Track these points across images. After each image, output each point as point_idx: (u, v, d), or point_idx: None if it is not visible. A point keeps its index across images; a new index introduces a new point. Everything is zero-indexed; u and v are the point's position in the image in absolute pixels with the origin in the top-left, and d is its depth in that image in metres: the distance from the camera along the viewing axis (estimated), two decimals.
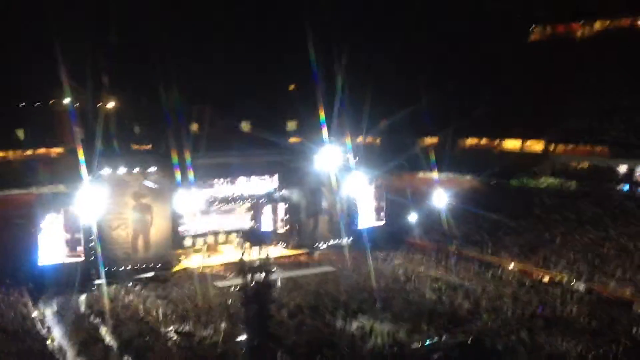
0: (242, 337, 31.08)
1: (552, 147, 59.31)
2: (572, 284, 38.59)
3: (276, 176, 50.88)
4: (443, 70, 66.09)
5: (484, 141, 65.19)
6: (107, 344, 30.98)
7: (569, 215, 48.68)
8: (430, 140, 69.47)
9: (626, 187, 51.55)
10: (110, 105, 63.66)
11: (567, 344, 28.82)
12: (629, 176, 52.63)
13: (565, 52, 62.56)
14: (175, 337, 31.81)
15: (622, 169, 53.56)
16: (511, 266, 43.22)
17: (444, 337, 30.95)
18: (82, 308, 36.51)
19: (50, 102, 65.03)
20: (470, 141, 66.30)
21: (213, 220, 49.44)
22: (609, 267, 39.32)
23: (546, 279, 40.39)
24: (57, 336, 32.01)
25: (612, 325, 31.83)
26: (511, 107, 57.98)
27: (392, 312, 34.69)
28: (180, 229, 47.50)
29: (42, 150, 59.80)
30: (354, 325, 33.18)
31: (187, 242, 48.43)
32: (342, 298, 37.07)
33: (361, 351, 29.52)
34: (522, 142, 61.81)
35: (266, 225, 51.00)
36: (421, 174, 63.36)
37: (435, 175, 62.87)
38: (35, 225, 41.66)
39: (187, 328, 32.78)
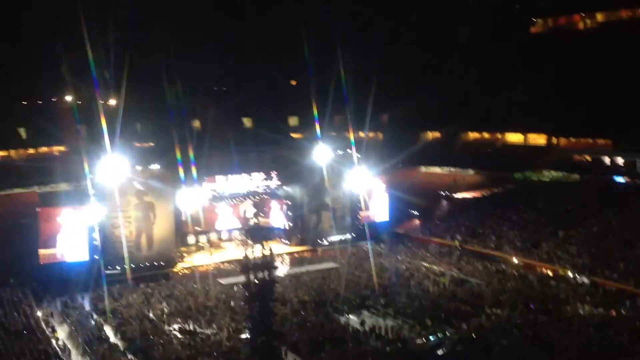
0: (246, 335, 31.16)
1: (555, 141, 59.10)
2: (576, 278, 38.48)
3: (278, 173, 50.86)
4: (445, 64, 65.78)
5: (486, 135, 64.99)
6: (112, 343, 31.03)
7: (572, 208, 48.55)
8: (433, 134, 69.31)
9: (628, 179, 51.32)
10: (112, 102, 63.53)
11: (570, 339, 28.70)
12: (631, 168, 52.40)
13: (568, 44, 62.19)
14: (179, 336, 31.84)
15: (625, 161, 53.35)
16: (515, 260, 43.15)
17: (447, 333, 30.90)
18: (86, 307, 36.60)
19: (52, 99, 64.93)
20: (473, 135, 66.12)
21: (215, 217, 49.47)
22: (613, 261, 39.12)
23: (550, 273, 40.30)
24: (61, 336, 32.05)
25: (616, 318, 31.75)
26: (514, 101, 57.68)
27: (396, 308, 34.70)
28: (183, 226, 47.48)
29: (44, 149, 59.72)
30: (358, 321, 33.21)
31: (190, 239, 48.50)
32: (346, 294, 37.04)
33: (365, 347, 29.47)
34: (525, 136, 61.61)
35: (269, 222, 51.00)
36: (423, 169, 63.29)
37: (437, 169, 62.85)
38: (38, 224, 41.75)
39: (190, 326, 32.78)
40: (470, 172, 60.51)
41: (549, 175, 55.72)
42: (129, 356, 29.25)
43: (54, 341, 30.97)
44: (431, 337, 30.61)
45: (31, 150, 59.19)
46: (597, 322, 30.80)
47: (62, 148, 59.34)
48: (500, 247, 45.85)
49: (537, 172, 56.48)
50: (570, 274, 39.09)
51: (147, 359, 28.62)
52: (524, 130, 61.28)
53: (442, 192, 58.85)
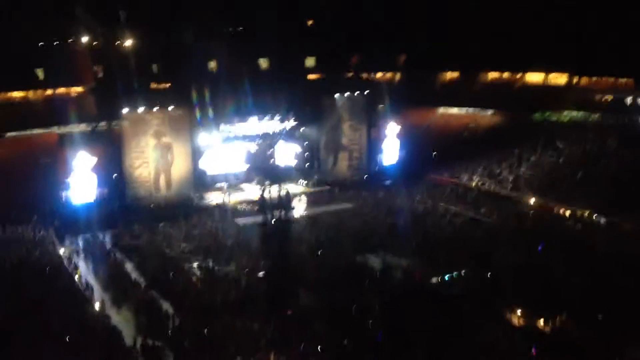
0: (262, 273, 31.75)
1: (575, 80, 57.98)
2: (593, 218, 38.45)
3: (294, 113, 50.63)
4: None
5: (506, 75, 63.85)
6: (133, 279, 31.77)
7: (591, 149, 48.09)
8: (451, 75, 68.25)
9: None
10: (128, 43, 63.14)
11: (584, 279, 28.85)
12: None
13: None
14: (198, 273, 32.50)
15: None
16: (532, 201, 43.11)
17: (463, 272, 31.21)
18: (107, 245, 37.32)
19: (69, 40, 64.53)
20: (492, 75, 65.03)
21: (232, 158, 49.62)
22: (631, 202, 38.89)
23: (567, 213, 40.27)
24: (83, 272, 32.83)
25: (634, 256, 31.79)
26: (535, 39, 56.28)
27: (412, 248, 34.99)
28: (201, 167, 47.73)
29: (62, 90, 59.72)
30: (374, 260, 33.60)
31: (209, 180, 48.80)
32: (362, 234, 37.39)
33: (381, 286, 29.89)
34: (545, 76, 60.45)
35: (286, 163, 51.09)
36: (442, 110, 62.68)
37: (456, 110, 62.20)
38: (58, 165, 42.27)
39: (209, 264, 33.39)
40: (489, 112, 59.83)
41: (568, 115, 54.97)
42: (150, 291, 29.97)
43: (76, 277, 31.77)
44: (446, 276, 31.02)
45: (49, 91, 59.21)
46: (614, 260, 30.89)
47: (79, 89, 59.35)
48: (518, 188, 45.78)
49: (556, 112, 55.72)
50: (587, 215, 39.08)
51: (167, 294, 29.24)
52: (545, 70, 60.04)
53: (460, 133, 58.43)
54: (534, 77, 61.43)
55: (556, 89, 58.91)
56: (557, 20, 54.12)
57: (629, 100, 53.41)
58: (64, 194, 41.75)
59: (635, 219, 36.65)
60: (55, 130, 48.63)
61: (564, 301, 26.43)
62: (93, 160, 42.34)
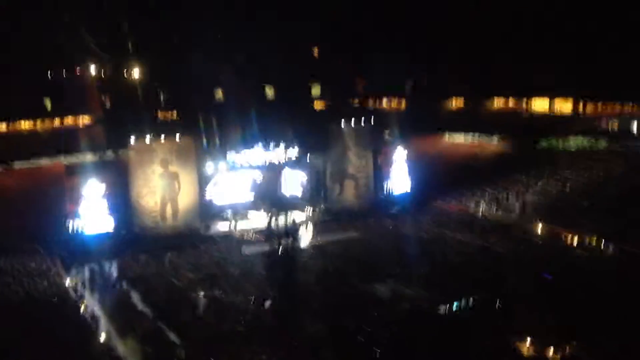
0: (269, 302, 31.61)
1: (581, 108, 58.18)
2: (601, 246, 38.26)
3: (300, 142, 50.71)
4: (468, 28, 64.68)
5: (511, 103, 64.13)
6: (140, 310, 31.64)
7: (598, 176, 48.04)
8: (457, 102, 68.59)
9: None
10: (135, 72, 63.82)
11: (595, 307, 28.62)
12: None
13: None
14: (205, 303, 32.36)
15: None
16: (539, 229, 42.94)
17: (471, 300, 31.00)
18: (113, 275, 37.23)
19: (76, 70, 65.29)
20: (498, 103, 65.33)
21: (239, 187, 49.62)
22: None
23: (575, 241, 40.08)
24: (89, 303, 32.71)
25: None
26: (538, 66, 56.61)
27: (419, 276, 34.78)
28: (208, 196, 47.71)
29: (69, 120, 60.29)
30: (381, 289, 33.39)
31: (215, 209, 48.75)
32: (368, 263, 37.23)
33: (389, 316, 29.69)
34: (550, 103, 60.69)
35: (292, 192, 51.05)
36: (447, 137, 62.80)
37: (461, 137, 62.34)
38: (65, 194, 42.33)
39: (216, 293, 33.23)
40: (495, 139, 59.91)
41: (574, 142, 55.00)
42: (157, 322, 29.82)
43: (82, 308, 31.65)
44: (454, 305, 30.80)
45: (56, 122, 59.78)
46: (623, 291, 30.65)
47: (87, 119, 59.92)
48: (525, 214, 45.62)
49: (562, 139, 55.78)
50: (595, 242, 38.89)
51: (174, 325, 29.08)
52: (549, 96, 60.30)
53: (465, 160, 58.46)
54: (540, 105, 61.67)
55: (562, 115, 59.11)
56: (562, 46, 54.51)
57: (635, 126, 53.48)
58: (71, 223, 41.70)
59: None
60: (63, 159, 48.99)
61: (575, 329, 26.20)
62: (101, 189, 42.34)
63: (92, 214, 42.09)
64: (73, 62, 64.03)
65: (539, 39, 56.07)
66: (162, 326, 29.26)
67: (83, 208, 41.92)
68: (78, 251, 39.74)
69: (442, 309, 30.49)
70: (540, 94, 60.19)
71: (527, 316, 27.92)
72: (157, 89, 59.64)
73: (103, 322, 30.18)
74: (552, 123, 57.61)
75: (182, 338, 27.73)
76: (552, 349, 25.39)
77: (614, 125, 54.48)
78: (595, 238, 39.08)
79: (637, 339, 24.85)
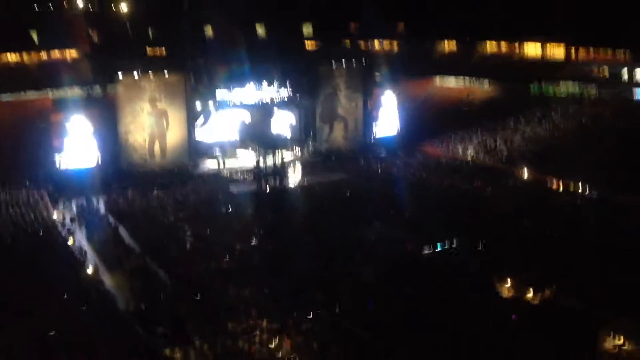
0: (255, 242, 31.94)
1: (573, 53, 57.73)
2: (585, 192, 38.66)
3: (291, 82, 50.31)
4: None
5: (503, 46, 63.51)
6: (127, 245, 31.88)
7: (587, 122, 48.12)
8: (449, 45, 67.86)
9: None
10: (124, 7, 62.55)
11: (574, 256, 29.10)
12: None
13: None
14: (192, 240, 32.61)
15: None
16: (526, 175, 43.23)
17: (455, 243, 31.43)
18: (101, 210, 37.35)
19: (64, 3, 63.84)
20: (490, 46, 64.66)
21: (228, 125, 49.39)
22: (624, 177, 38.99)
23: (560, 187, 40.45)
24: (77, 237, 32.88)
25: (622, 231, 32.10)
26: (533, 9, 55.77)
27: (406, 219, 35.14)
28: (197, 134, 47.49)
29: (57, 54, 59.26)
30: (368, 231, 33.70)
31: (204, 147, 48.63)
32: (355, 205, 37.48)
33: (375, 257, 30.03)
34: (543, 48, 60.13)
35: (281, 132, 50.87)
36: (438, 80, 62.41)
37: (453, 81, 61.97)
38: (53, 129, 42.06)
39: (202, 232, 33.46)
40: (486, 84, 59.61)
41: (565, 88, 54.84)
42: (144, 257, 30.10)
43: (70, 242, 31.87)
44: (439, 247, 31.24)
45: (43, 55, 58.74)
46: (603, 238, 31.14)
47: (74, 53, 58.91)
48: (513, 160, 45.84)
49: (554, 85, 55.59)
50: (580, 189, 39.29)
51: (161, 261, 29.40)
52: (542, 40, 59.66)
53: (455, 106, 58.33)
54: (532, 50, 61.16)
55: (554, 61, 58.72)
56: None
57: (625, 73, 53.28)
58: (58, 158, 41.53)
59: (630, 193, 36.76)
60: (50, 94, 48.45)
61: (554, 273, 26.70)
62: (88, 124, 42.07)
63: (77, 149, 41.90)
64: None
65: None
66: (149, 261, 29.56)
67: (70, 143, 41.74)
68: (65, 185, 39.74)
69: (426, 250, 30.90)
70: (532, 38, 59.57)
71: (508, 259, 28.39)
72: (146, 25, 58.49)
73: (90, 256, 30.43)
74: (543, 68, 57.22)
75: (168, 274, 28.05)
76: (531, 290, 25.90)
77: (604, 71, 54.21)
78: (579, 184, 39.39)
79: (613, 282, 25.39)
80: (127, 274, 28.15)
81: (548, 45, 59.23)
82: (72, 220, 35.42)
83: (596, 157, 42.34)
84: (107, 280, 27.81)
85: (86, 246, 31.68)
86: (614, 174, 39.40)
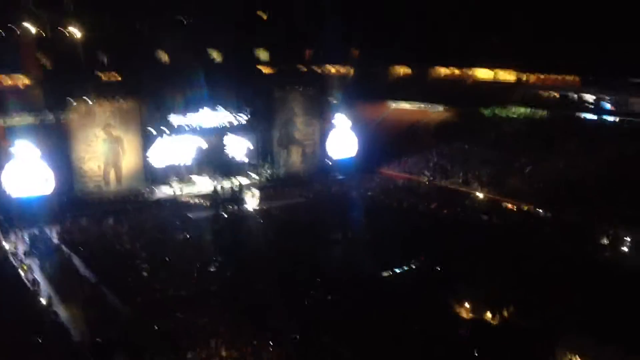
0: (214, 268, 31.63)
1: (524, 77, 59.26)
2: (539, 212, 39.49)
3: (247, 107, 50.33)
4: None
5: (456, 71, 64.82)
6: (82, 275, 31.16)
7: (539, 144, 49.21)
8: (403, 70, 68.93)
9: (596, 115, 51.97)
10: (76, 32, 61.75)
11: (531, 268, 29.70)
12: (597, 105, 53.02)
13: None
14: (148, 268, 32.03)
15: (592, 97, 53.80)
16: (481, 196, 43.95)
17: (413, 265, 31.67)
18: (55, 240, 36.47)
19: (16, 29, 62.70)
20: (443, 71, 65.92)
21: (184, 151, 48.96)
22: (577, 196, 39.93)
23: (515, 207, 41.24)
24: (30, 267, 32.00)
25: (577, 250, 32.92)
26: (484, 37, 57.20)
27: (364, 241, 35.26)
28: (152, 160, 46.89)
29: (8, 81, 58.08)
30: (326, 254, 33.69)
31: (159, 173, 48.06)
32: (314, 229, 37.48)
33: (333, 278, 30.00)
34: (494, 72, 61.60)
35: (237, 156, 50.65)
36: (393, 104, 63.20)
37: (407, 105, 62.80)
38: (4, 157, 41.05)
39: (160, 259, 32.93)
40: (440, 108, 60.58)
41: (517, 111, 56.09)
42: (100, 287, 29.45)
43: (22, 273, 30.99)
44: (396, 269, 31.42)
45: None
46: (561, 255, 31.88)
47: (25, 79, 57.79)
48: (468, 182, 46.56)
49: (505, 108, 56.81)
50: (533, 209, 40.13)
51: (117, 290, 28.82)
52: (494, 66, 61.17)
53: (411, 128, 59.05)
54: (484, 74, 62.56)
55: (505, 85, 60.09)
56: (506, 17, 55.20)
57: (574, 96, 54.84)
58: (9, 187, 40.44)
59: (576, 212, 37.66)
60: (1, 122, 47.30)
61: (511, 293, 27.12)
62: (39, 152, 41.06)
63: (27, 177, 40.80)
64: (11, 20, 61.52)
65: (484, 8, 56.62)
66: (105, 291, 28.97)
67: (17, 171, 40.59)
68: (16, 214, 38.72)
69: (385, 273, 31.05)
70: (483, 64, 61.02)
71: (466, 280, 28.70)
72: (99, 50, 57.76)
73: (44, 287, 29.65)
74: (495, 91, 58.46)
75: (124, 303, 27.51)
76: (488, 312, 26.23)
77: (555, 95, 55.71)
78: (532, 206, 40.26)
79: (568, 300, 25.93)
80: (81, 304, 27.49)
81: (499, 71, 60.73)
82: (24, 251, 34.47)
83: (547, 178, 43.45)
84: (62, 311, 27.13)
85: (39, 277, 30.86)
86: (562, 192, 40.46)
